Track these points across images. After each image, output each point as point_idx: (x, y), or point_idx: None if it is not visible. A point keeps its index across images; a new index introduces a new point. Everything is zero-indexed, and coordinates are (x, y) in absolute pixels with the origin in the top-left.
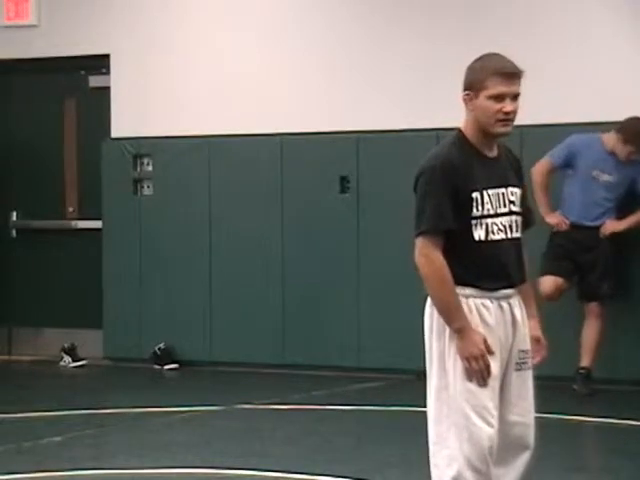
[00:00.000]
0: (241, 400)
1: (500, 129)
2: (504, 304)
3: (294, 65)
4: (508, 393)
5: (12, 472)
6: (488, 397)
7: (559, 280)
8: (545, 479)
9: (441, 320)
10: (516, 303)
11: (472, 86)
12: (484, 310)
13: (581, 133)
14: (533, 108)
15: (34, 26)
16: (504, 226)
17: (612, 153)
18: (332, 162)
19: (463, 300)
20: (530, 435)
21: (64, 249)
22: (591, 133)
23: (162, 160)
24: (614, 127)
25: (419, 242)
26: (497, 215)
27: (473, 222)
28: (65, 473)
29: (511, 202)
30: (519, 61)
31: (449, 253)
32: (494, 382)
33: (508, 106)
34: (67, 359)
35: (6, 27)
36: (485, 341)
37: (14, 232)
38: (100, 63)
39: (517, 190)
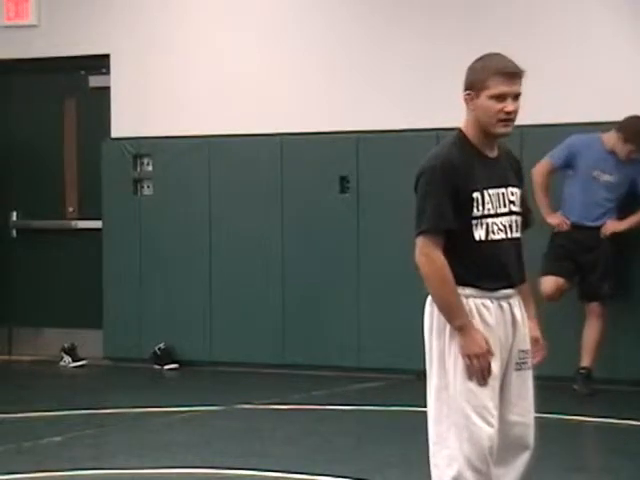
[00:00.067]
0: (241, 400)
1: (501, 129)
2: (504, 304)
3: (294, 65)
4: (508, 393)
5: (12, 472)
6: (488, 397)
7: (560, 280)
8: (545, 479)
9: (441, 319)
10: (516, 303)
11: (473, 86)
12: (484, 310)
13: (581, 133)
14: (533, 108)
15: (34, 26)
16: (504, 226)
17: (612, 153)
18: (332, 162)
19: (463, 300)
20: (530, 435)
21: (64, 249)
22: (591, 133)
23: (162, 160)
24: (614, 127)
25: (420, 242)
26: (497, 215)
27: (474, 222)
28: (65, 473)
29: (511, 202)
30: (519, 61)
31: (449, 253)
32: (494, 382)
33: (509, 106)
34: (67, 359)
35: (6, 27)
36: (487, 341)
37: (14, 232)
38: (100, 63)
39: (517, 190)
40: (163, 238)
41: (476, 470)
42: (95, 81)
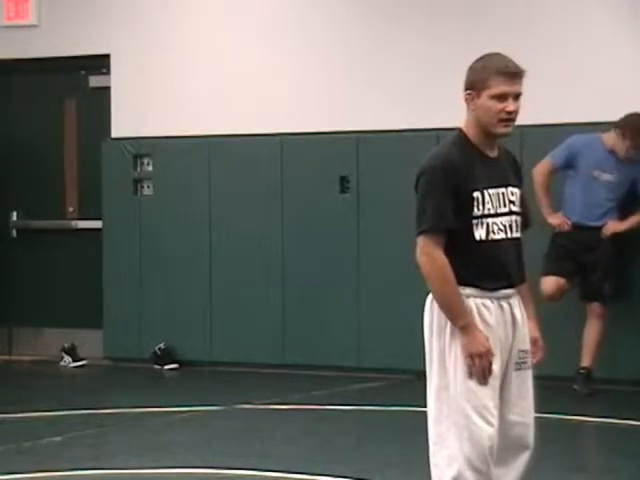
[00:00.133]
0: (241, 400)
1: (502, 129)
2: (504, 304)
3: (294, 65)
4: (508, 393)
5: (12, 472)
6: (488, 396)
7: (561, 280)
8: (545, 479)
9: (441, 318)
10: (516, 303)
11: (474, 86)
12: (484, 310)
13: (581, 133)
14: (533, 108)
15: (34, 26)
16: (504, 226)
17: (613, 152)
18: (332, 162)
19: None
20: (530, 435)
21: (64, 249)
22: (591, 133)
23: (162, 160)
24: (614, 125)
25: (420, 241)
26: (497, 215)
27: (474, 222)
28: (65, 473)
29: (511, 202)
30: (519, 61)
31: (450, 253)
32: (494, 381)
33: (510, 106)
34: (67, 359)
35: (6, 27)
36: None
37: (14, 232)
38: (100, 63)
39: (517, 190)
40: (163, 238)
41: (476, 470)
42: (95, 81)
